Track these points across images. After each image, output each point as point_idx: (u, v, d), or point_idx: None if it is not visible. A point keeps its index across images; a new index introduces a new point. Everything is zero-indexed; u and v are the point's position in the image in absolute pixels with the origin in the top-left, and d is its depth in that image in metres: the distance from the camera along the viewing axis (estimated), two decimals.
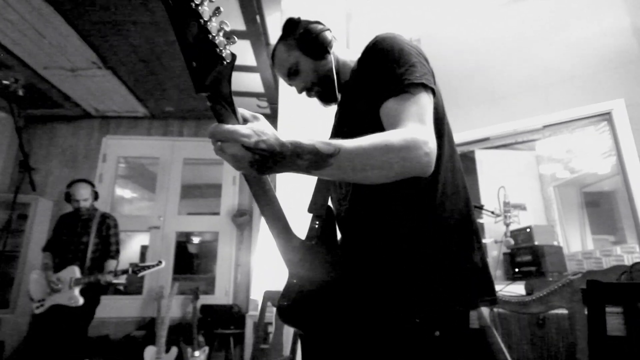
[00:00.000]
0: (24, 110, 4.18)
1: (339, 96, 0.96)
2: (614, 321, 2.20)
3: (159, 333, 3.39)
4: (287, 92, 2.52)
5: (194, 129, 4.55)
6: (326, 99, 0.97)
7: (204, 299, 3.89)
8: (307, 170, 0.61)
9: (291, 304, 0.72)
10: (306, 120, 2.42)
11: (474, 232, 0.79)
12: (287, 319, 0.75)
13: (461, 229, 0.77)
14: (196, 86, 0.56)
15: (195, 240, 6.08)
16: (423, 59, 0.80)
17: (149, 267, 2.85)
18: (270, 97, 4.03)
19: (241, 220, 4.06)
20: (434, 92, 0.77)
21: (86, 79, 3.71)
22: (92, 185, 2.99)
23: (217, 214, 4.34)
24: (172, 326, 3.56)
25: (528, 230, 2.97)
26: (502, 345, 2.01)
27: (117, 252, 2.96)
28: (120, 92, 3.94)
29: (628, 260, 2.86)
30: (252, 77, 3.69)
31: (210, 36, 0.55)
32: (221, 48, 0.57)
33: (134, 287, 4.37)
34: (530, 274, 2.79)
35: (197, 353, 3.43)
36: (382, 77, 0.76)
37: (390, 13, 2.99)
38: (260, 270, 2.82)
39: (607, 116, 2.53)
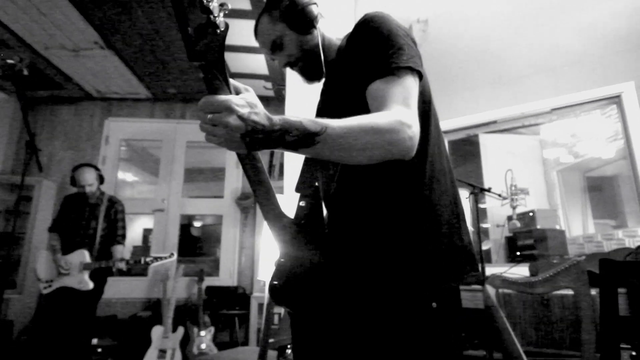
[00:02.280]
0: (25, 91, 4.14)
1: (324, 74, 0.95)
2: (619, 301, 2.23)
3: (165, 313, 3.45)
4: (294, 74, 2.49)
5: (197, 111, 4.50)
6: (310, 76, 0.96)
7: (209, 281, 3.94)
8: (294, 147, 0.62)
9: (283, 284, 0.73)
10: (315, 102, 2.40)
11: (460, 212, 0.81)
12: (280, 299, 0.76)
13: (449, 209, 0.78)
14: (190, 54, 0.56)
15: (199, 223, 6.11)
16: (411, 40, 0.80)
17: (161, 258, 2.91)
18: (275, 79, 3.99)
19: (245, 203, 4.07)
20: (420, 75, 0.77)
21: (88, 60, 3.66)
22: (97, 169, 2.99)
23: (220, 197, 4.35)
24: (178, 307, 3.61)
25: (531, 214, 2.98)
26: (507, 324, 2.05)
27: (124, 237, 2.99)
28: (122, 73, 3.89)
29: (630, 244, 2.89)
30: (257, 58, 3.64)
31: (205, 1, 0.54)
32: (215, 15, 0.56)
33: (138, 269, 4.41)
34: (532, 257, 2.82)
35: (203, 332, 3.49)
36: (370, 58, 0.77)
37: None
38: (268, 251, 2.85)
39: (616, 99, 2.52)
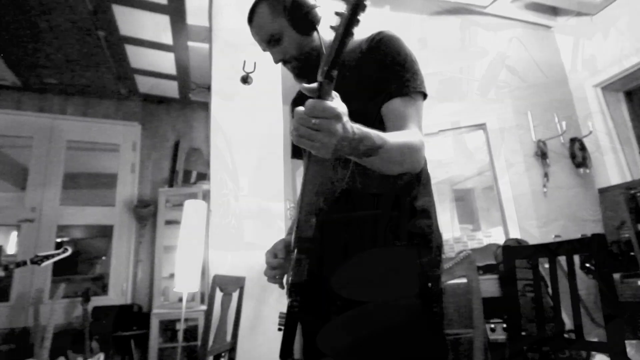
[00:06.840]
0: None
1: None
2: (492, 285, 2.78)
3: (39, 344, 2.87)
4: (220, 82, 2.45)
5: (82, 106, 3.93)
6: (303, 75, 0.94)
7: (95, 301, 3.43)
8: (360, 156, 0.67)
9: (306, 280, 0.78)
10: (240, 112, 2.42)
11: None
12: (302, 293, 0.80)
13: (435, 211, 0.92)
14: (329, 63, 0.56)
15: (81, 235, 5.21)
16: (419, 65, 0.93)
17: (52, 256, 2.42)
18: (182, 81, 3.77)
19: (145, 211, 3.70)
20: (425, 97, 0.89)
21: None
22: None
23: (111, 205, 3.85)
24: (56, 334, 3.04)
25: None
26: None
27: None
28: None
29: (487, 242, 3.62)
30: (165, 56, 3.40)
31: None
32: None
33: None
34: None
35: None
36: (388, 77, 0.85)
37: None
38: (187, 261, 2.65)
39: (483, 126, 3.19)
